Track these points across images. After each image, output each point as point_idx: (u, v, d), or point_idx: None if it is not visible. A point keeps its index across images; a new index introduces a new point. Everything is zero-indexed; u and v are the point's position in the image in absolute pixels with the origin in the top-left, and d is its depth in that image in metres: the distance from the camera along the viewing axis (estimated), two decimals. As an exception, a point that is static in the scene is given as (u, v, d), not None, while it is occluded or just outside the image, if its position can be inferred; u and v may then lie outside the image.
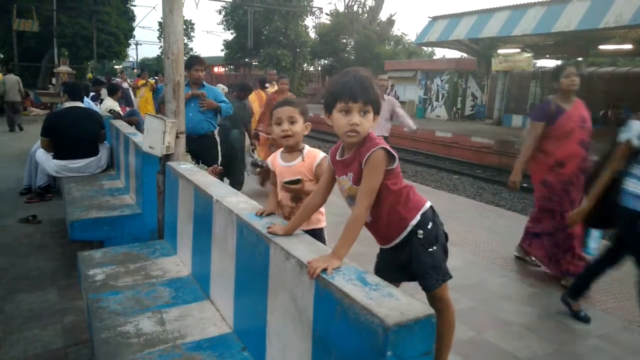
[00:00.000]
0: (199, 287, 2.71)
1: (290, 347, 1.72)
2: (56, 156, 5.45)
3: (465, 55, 25.38)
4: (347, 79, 1.83)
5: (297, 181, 2.30)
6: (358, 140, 1.87)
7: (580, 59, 21.12)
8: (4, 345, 3.02)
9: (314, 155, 2.46)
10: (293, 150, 2.47)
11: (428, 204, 2.10)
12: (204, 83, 5.35)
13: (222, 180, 4.76)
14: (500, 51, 21.17)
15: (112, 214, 4.19)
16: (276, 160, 2.53)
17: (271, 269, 1.86)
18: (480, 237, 5.53)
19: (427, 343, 1.29)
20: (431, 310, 1.30)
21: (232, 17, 40.93)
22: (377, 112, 1.87)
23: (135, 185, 4.60)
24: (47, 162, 5.53)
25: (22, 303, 3.58)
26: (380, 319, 1.24)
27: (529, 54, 20.36)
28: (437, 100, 26.29)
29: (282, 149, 2.55)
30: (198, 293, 2.65)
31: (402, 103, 27.43)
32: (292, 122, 2.38)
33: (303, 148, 2.47)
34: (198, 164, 4.73)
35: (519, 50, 20.63)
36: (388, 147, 1.87)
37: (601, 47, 18.05)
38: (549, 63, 27.17)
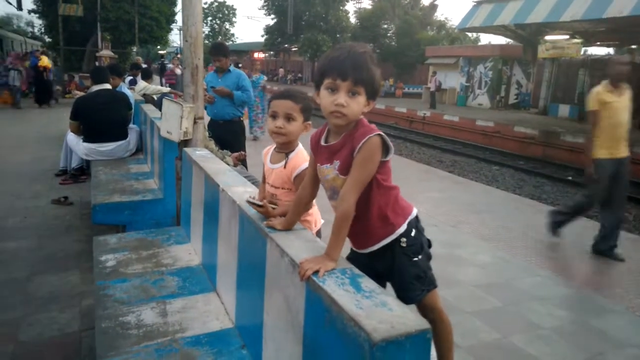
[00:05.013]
0: (207, 278, 2.63)
1: (283, 350, 1.61)
2: (86, 139, 5.52)
3: (510, 41, 24.43)
4: (338, 54, 1.62)
5: (261, 205, 1.96)
6: (346, 124, 1.65)
7: (634, 46, 19.97)
8: (22, 325, 3.05)
9: (298, 163, 2.13)
10: (284, 150, 2.20)
11: (415, 211, 1.90)
12: (230, 69, 5.33)
13: (245, 166, 4.67)
14: (547, 37, 20.23)
15: (134, 199, 4.17)
16: (267, 156, 2.28)
17: (268, 266, 1.75)
18: (515, 232, 5.26)
19: (420, 361, 1.14)
20: (426, 325, 1.15)
21: (273, 2, 40.94)
22: (371, 96, 1.65)
23: (158, 170, 4.57)
24: (77, 145, 5.61)
25: (44, 284, 3.61)
26: (367, 332, 1.10)
27: (578, 41, 19.35)
28: (479, 88, 25.44)
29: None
30: (205, 284, 2.57)
31: (443, 91, 26.71)
32: (288, 118, 2.07)
33: (292, 150, 2.18)
34: (222, 149, 4.67)
35: (567, 36, 19.65)
36: (384, 136, 1.66)
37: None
38: (600, 51, 25.82)
